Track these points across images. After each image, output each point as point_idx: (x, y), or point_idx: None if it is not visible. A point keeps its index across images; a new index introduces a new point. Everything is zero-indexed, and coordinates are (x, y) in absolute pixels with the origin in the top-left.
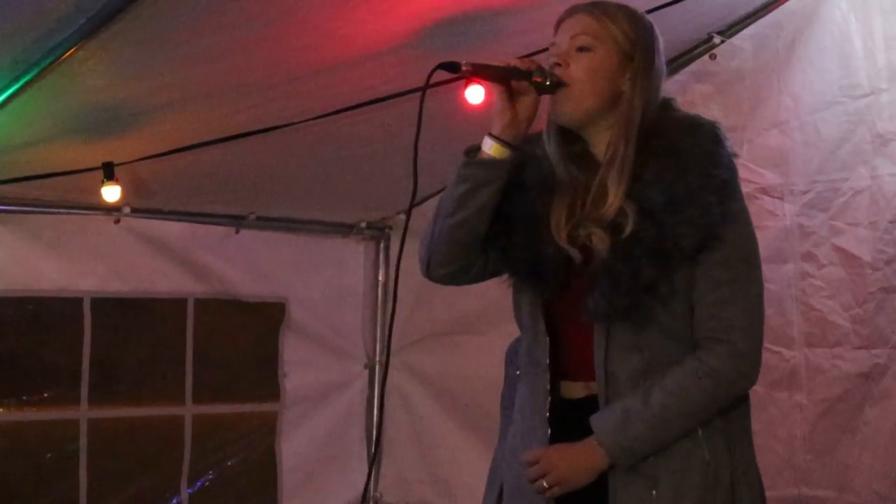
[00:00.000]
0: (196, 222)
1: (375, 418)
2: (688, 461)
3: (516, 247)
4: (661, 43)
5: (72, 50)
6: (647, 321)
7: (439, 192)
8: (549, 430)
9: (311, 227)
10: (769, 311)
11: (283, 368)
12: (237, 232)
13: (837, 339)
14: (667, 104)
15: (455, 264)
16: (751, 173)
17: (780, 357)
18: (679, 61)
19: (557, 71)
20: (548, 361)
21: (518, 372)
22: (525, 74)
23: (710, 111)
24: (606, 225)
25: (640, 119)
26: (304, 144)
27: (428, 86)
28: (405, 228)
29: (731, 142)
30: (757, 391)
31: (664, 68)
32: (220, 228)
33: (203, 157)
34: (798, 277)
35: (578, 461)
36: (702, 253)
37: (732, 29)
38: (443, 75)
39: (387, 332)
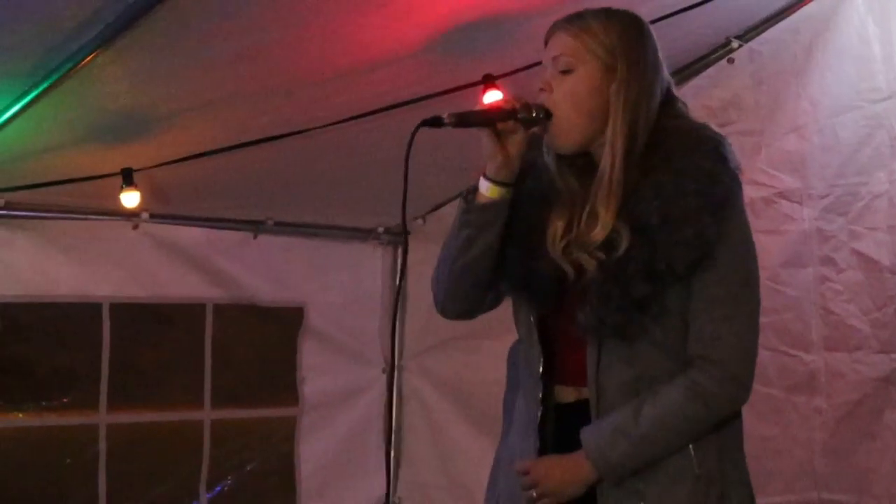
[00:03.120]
0: (214, 228)
1: (385, 423)
2: (676, 475)
3: (512, 260)
4: (651, 37)
5: (90, 56)
6: (639, 336)
7: (455, 198)
8: (539, 442)
9: (329, 232)
10: (788, 315)
11: (302, 373)
12: (255, 237)
13: (857, 344)
14: (670, 106)
15: (467, 303)
16: (769, 178)
17: (800, 361)
18: (697, 66)
19: (543, 97)
20: (540, 371)
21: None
22: (510, 114)
23: (727, 116)
24: (598, 246)
25: (630, 130)
26: (322, 149)
27: (412, 143)
28: (405, 242)
29: (738, 154)
30: (776, 395)
31: (659, 65)
32: (238, 234)
33: (221, 163)
34: (817, 282)
35: (567, 474)
36: (696, 272)
37: (750, 33)
38: (456, 81)
39: (400, 336)
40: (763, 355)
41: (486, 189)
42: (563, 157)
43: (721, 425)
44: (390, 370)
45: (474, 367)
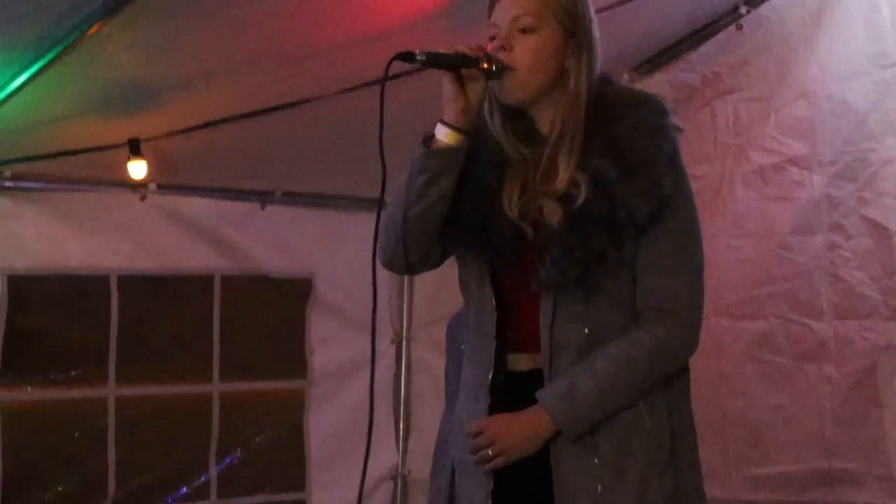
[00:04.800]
0: (222, 198)
1: (403, 392)
2: (629, 429)
3: (468, 221)
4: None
5: (97, 26)
6: (596, 291)
7: None
8: (490, 401)
9: (337, 202)
10: (798, 282)
11: (310, 345)
12: (263, 208)
13: (867, 311)
14: (607, 78)
15: (418, 253)
16: (778, 144)
17: (809, 329)
18: (705, 32)
19: (501, 55)
20: (494, 332)
21: (463, 346)
22: (473, 61)
23: (736, 82)
24: (558, 197)
25: (587, 91)
26: (330, 119)
27: (387, 77)
28: (378, 213)
29: (747, 120)
30: (785, 364)
31: (599, 40)
32: (246, 204)
33: (229, 133)
34: (826, 249)
35: (524, 430)
36: (651, 223)
37: None
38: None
39: (407, 308)
40: (772, 323)
41: (445, 135)
42: (506, 122)
43: (669, 381)
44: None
45: None
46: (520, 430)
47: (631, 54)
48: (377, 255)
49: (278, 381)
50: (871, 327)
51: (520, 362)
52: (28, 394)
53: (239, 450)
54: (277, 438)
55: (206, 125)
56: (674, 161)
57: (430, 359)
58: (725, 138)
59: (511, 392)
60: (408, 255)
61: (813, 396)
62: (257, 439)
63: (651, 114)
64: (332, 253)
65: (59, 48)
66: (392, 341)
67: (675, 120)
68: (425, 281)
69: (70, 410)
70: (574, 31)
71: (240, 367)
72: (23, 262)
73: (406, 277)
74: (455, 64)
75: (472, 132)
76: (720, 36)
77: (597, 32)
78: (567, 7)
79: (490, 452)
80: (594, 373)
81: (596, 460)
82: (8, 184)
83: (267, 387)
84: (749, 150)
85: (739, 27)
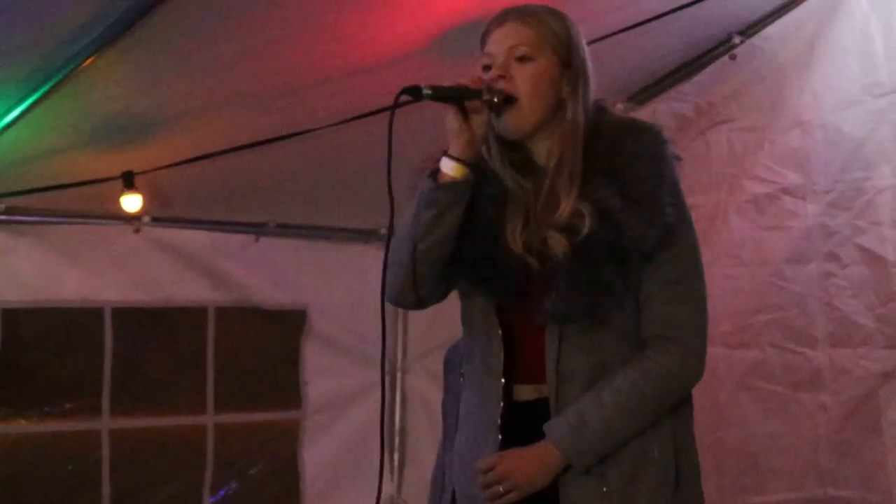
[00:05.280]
0: (216, 230)
1: (398, 423)
2: (637, 457)
3: (472, 256)
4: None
5: (90, 59)
6: (602, 322)
7: None
8: (501, 437)
9: (331, 233)
10: (792, 311)
11: (305, 376)
12: (257, 240)
13: (862, 339)
14: (601, 106)
15: (425, 288)
16: (773, 174)
17: (804, 357)
18: (699, 62)
19: (501, 84)
20: (502, 369)
21: (462, 379)
22: (476, 93)
23: (730, 112)
24: (562, 228)
25: (584, 120)
26: (323, 150)
27: (395, 107)
28: (387, 246)
29: (742, 150)
30: (780, 392)
31: (592, 69)
32: (241, 236)
33: (223, 165)
34: (821, 277)
35: (534, 465)
36: (655, 252)
37: (752, 29)
38: (458, 80)
39: (402, 339)
40: (767, 352)
41: (451, 168)
42: (504, 155)
43: (674, 409)
44: (382, 379)
45: None
46: (530, 465)
47: (625, 84)
48: (384, 292)
49: (273, 412)
50: (867, 355)
51: (525, 392)
52: (22, 426)
53: (233, 482)
54: (272, 470)
55: (201, 158)
56: (676, 190)
57: (425, 390)
58: (720, 168)
59: (516, 423)
60: (417, 290)
61: (808, 425)
62: (252, 471)
63: (651, 143)
64: (327, 284)
65: (52, 82)
66: (387, 372)
67: (673, 149)
68: (420, 312)
69: (64, 443)
70: (569, 61)
71: (234, 399)
72: (17, 296)
73: (400, 309)
74: (459, 96)
75: (480, 164)
76: (714, 66)
77: (590, 62)
78: (561, 37)
79: (502, 489)
80: (602, 405)
81: (604, 489)
82: (2, 217)
83: (261, 418)
84: (743, 179)
85: (733, 57)
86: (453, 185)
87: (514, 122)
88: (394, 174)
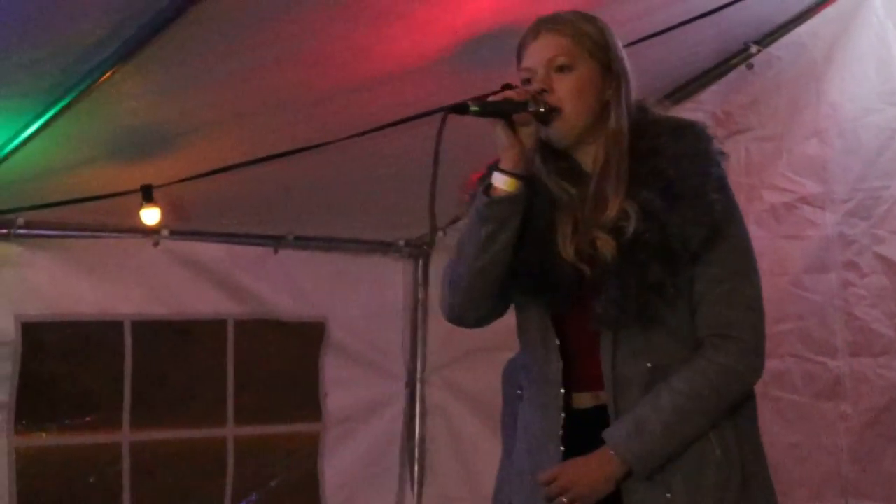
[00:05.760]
0: (234, 243)
1: (417, 435)
2: (700, 461)
3: (526, 266)
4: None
5: (108, 73)
6: (655, 324)
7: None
8: (562, 450)
9: (349, 245)
10: (812, 321)
11: (324, 388)
12: (276, 252)
13: (882, 348)
14: (642, 106)
15: (487, 305)
16: (791, 183)
17: (824, 367)
18: (716, 72)
19: (544, 97)
20: (561, 378)
21: (520, 391)
22: (522, 105)
23: (748, 121)
24: (609, 229)
25: (627, 122)
26: (341, 163)
27: (443, 128)
28: (426, 260)
29: (721, 143)
30: (801, 402)
31: (631, 71)
32: (259, 249)
33: (241, 178)
34: (840, 287)
35: (595, 474)
36: (704, 250)
37: (769, 38)
38: (476, 90)
39: (420, 351)
40: (787, 362)
41: (504, 182)
42: (549, 163)
43: (736, 409)
44: (412, 384)
45: (495, 378)
46: (592, 474)
47: (642, 95)
48: (442, 312)
49: (292, 424)
50: (887, 364)
51: (583, 400)
52: (43, 439)
53: (254, 494)
54: (292, 482)
55: (219, 171)
56: (723, 186)
57: (444, 401)
58: (738, 178)
59: (576, 432)
60: (477, 309)
61: (829, 434)
62: (272, 483)
63: (695, 140)
64: (345, 296)
65: (71, 95)
66: (406, 384)
67: (719, 145)
68: (438, 324)
69: (85, 456)
70: (609, 64)
71: (254, 411)
72: (37, 309)
73: (419, 320)
74: (506, 110)
75: (530, 178)
76: (731, 75)
77: (628, 62)
78: (598, 41)
79: (565, 500)
80: (660, 408)
81: (668, 495)
82: (21, 231)
83: (281, 430)
84: (761, 189)
85: (750, 66)
86: (508, 199)
87: (561, 132)
88: (418, 188)
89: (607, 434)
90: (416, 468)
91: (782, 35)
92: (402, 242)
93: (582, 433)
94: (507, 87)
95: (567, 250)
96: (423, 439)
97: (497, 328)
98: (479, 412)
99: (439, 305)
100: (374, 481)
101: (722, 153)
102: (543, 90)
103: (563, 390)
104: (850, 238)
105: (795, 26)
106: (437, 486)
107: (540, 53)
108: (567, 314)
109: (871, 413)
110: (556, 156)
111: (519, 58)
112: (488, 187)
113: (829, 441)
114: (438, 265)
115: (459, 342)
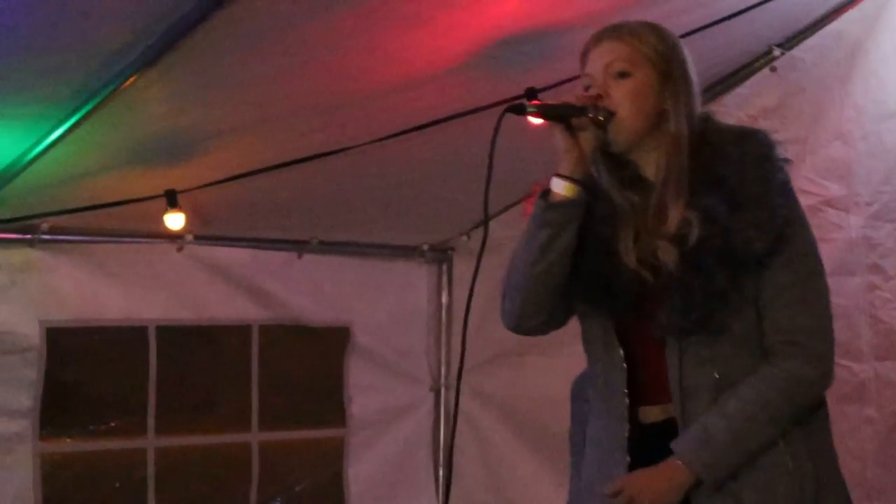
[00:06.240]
0: (259, 248)
1: (443, 440)
2: (771, 473)
3: (588, 275)
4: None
5: (132, 78)
6: (721, 332)
7: (501, 212)
8: (629, 458)
9: (373, 250)
10: (837, 324)
11: (349, 393)
12: (300, 257)
13: None
14: (707, 116)
15: (546, 313)
16: (815, 185)
17: (850, 371)
18: (739, 75)
19: (602, 103)
20: (625, 387)
21: (587, 406)
22: (581, 110)
23: (771, 124)
24: (671, 238)
25: (687, 129)
26: (365, 167)
27: (498, 127)
28: (479, 257)
29: (785, 149)
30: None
31: (696, 79)
32: (283, 254)
33: (265, 183)
34: (866, 290)
35: (662, 484)
36: (769, 256)
37: (792, 41)
38: (499, 95)
39: (445, 355)
40: None
41: (563, 188)
42: (612, 171)
43: (807, 416)
44: (456, 388)
45: (521, 383)
46: (659, 485)
47: None
48: (502, 320)
49: (317, 429)
50: None
51: (652, 414)
52: (68, 445)
53: (279, 499)
54: (317, 487)
55: (243, 175)
56: (787, 190)
57: (469, 406)
58: None
59: (645, 445)
60: (537, 315)
61: (854, 438)
62: (297, 488)
63: (758, 147)
64: (370, 301)
65: (95, 101)
66: (431, 389)
67: (782, 151)
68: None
69: (110, 461)
70: (669, 72)
71: (279, 417)
72: (61, 315)
73: (443, 325)
74: (564, 114)
75: (589, 183)
76: (754, 78)
77: (693, 73)
78: (659, 49)
79: None
80: (727, 416)
81: None
82: (45, 236)
83: (306, 436)
84: None
85: (773, 69)
86: (566, 203)
87: (617, 136)
88: (441, 193)
89: (675, 444)
90: (440, 473)
91: (806, 37)
92: (426, 247)
93: (652, 447)
94: (531, 91)
95: (629, 258)
96: (448, 445)
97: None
98: (504, 417)
99: (500, 313)
100: (398, 487)
101: (786, 159)
102: (600, 95)
103: (627, 399)
104: (875, 241)
105: (819, 28)
106: (462, 492)
107: (599, 60)
108: (630, 323)
109: None
110: (619, 165)
111: (582, 64)
112: (546, 192)
113: (855, 445)
114: (462, 269)
115: (484, 347)
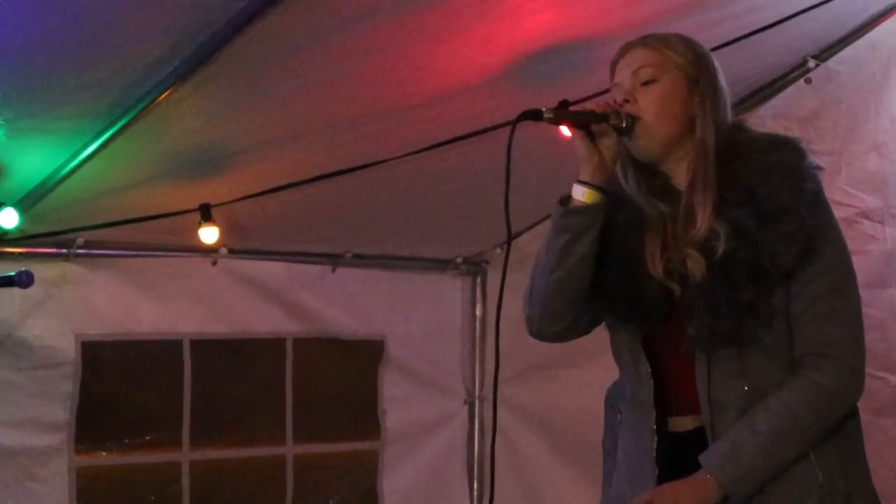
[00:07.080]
0: (293, 261)
1: (477, 453)
2: (801, 485)
3: (614, 287)
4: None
5: (167, 92)
6: (750, 344)
7: (533, 225)
8: (658, 471)
9: (407, 263)
10: (872, 336)
11: (383, 406)
12: (334, 270)
13: None
14: (740, 125)
15: (566, 319)
16: (850, 197)
17: (885, 383)
18: (774, 86)
19: (627, 108)
20: (653, 401)
21: (620, 416)
22: (602, 117)
23: (807, 136)
24: (699, 247)
25: (716, 135)
26: (398, 180)
27: (513, 133)
28: (505, 265)
29: (816, 157)
30: (861, 418)
31: (727, 89)
32: (317, 267)
33: (299, 196)
34: None
35: (691, 498)
36: (798, 268)
37: (827, 52)
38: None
39: (479, 368)
40: None
41: (582, 194)
42: (641, 180)
43: (838, 429)
44: (493, 401)
45: (556, 396)
46: (687, 498)
47: None
48: (526, 326)
49: (352, 442)
50: None
51: (683, 424)
52: (103, 458)
53: None
54: (352, 500)
55: (277, 189)
56: (818, 200)
57: (503, 418)
58: None
59: (677, 454)
60: (558, 322)
61: (891, 451)
62: (331, 501)
63: (788, 156)
64: (404, 314)
65: (129, 115)
66: (465, 401)
67: (813, 160)
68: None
69: (145, 475)
70: (697, 79)
71: (313, 430)
72: (96, 328)
73: (477, 338)
74: (583, 120)
75: (610, 190)
76: (789, 90)
77: (723, 80)
78: (687, 55)
79: None
80: (756, 430)
81: None
82: (80, 251)
83: (340, 448)
84: None
85: (808, 81)
86: (584, 209)
87: (642, 143)
88: (475, 206)
89: (703, 458)
90: (475, 486)
91: (840, 49)
92: (459, 260)
93: (683, 458)
94: (564, 103)
95: (656, 268)
96: (481, 458)
97: (554, 347)
98: (537, 429)
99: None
100: (432, 499)
101: (818, 167)
102: (626, 101)
103: (654, 413)
104: None
105: (854, 40)
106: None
107: (627, 67)
108: (658, 335)
109: None
110: (648, 173)
111: (612, 75)
112: (566, 198)
113: (891, 457)
114: (495, 282)
115: (517, 360)
